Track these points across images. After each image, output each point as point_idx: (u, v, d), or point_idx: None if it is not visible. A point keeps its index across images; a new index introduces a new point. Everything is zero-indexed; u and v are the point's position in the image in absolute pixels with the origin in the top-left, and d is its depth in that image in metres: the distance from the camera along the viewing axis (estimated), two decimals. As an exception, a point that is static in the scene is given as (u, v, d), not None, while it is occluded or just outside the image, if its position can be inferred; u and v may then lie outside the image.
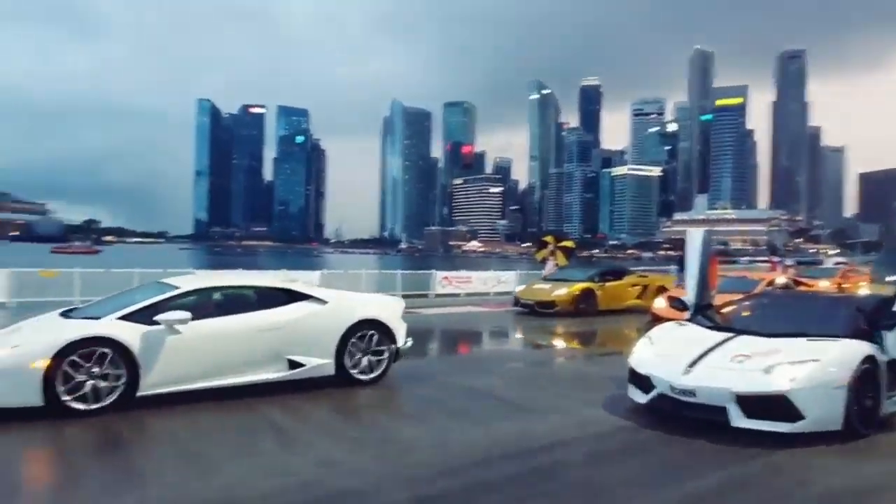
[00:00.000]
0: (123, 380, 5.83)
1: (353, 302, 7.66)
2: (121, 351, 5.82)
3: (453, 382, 7.74)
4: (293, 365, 6.88)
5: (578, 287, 16.17)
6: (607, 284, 16.81)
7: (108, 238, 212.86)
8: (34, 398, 5.47)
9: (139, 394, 5.98)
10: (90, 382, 5.67)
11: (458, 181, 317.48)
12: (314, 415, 6.26)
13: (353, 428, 5.84)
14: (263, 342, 6.70)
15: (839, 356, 5.46)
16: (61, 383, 5.53)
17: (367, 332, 7.34)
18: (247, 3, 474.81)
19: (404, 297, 20.23)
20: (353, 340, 7.23)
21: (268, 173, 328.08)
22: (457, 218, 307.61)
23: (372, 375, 7.35)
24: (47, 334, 5.88)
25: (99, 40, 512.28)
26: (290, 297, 7.15)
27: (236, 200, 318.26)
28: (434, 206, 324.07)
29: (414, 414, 6.26)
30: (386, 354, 7.49)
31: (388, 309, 7.81)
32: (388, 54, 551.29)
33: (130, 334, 5.97)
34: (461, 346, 12.69)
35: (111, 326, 5.99)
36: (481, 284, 22.85)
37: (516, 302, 16.82)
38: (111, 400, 5.76)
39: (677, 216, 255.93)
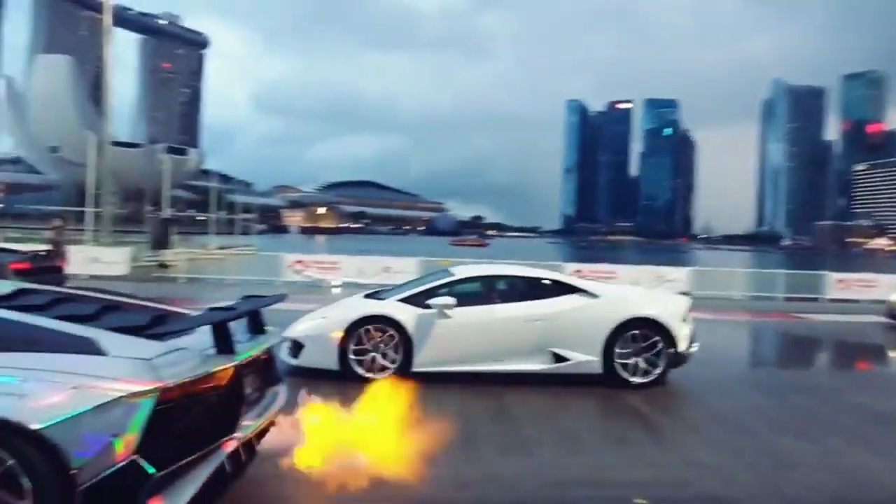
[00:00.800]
0: (400, 355, 6.68)
1: (626, 298, 7.33)
2: (397, 329, 6.69)
3: (844, 399, 6.73)
4: (558, 358, 6.82)
5: None
6: None
7: (491, 232, 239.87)
8: (332, 363, 6.65)
9: (414, 369, 6.70)
10: (372, 354, 6.68)
11: (861, 167, 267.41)
12: (681, 411, 6.18)
13: (727, 433, 5.56)
14: (528, 333, 6.80)
15: None
16: (351, 352, 6.64)
17: (641, 331, 6.79)
18: (613, 3, 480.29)
19: (787, 300, 18.31)
20: (623, 339, 6.77)
21: (633, 168, 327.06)
22: (857, 210, 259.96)
23: (643, 379, 6.76)
24: (346, 311, 7.04)
25: (485, 59, 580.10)
26: (561, 289, 7.17)
27: (601, 196, 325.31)
28: (826, 197, 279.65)
29: (796, 428, 5.65)
30: (662, 357, 6.78)
31: (667, 307, 7.09)
32: (767, 30, 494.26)
33: (405, 315, 6.76)
34: (849, 358, 10.86)
35: (390, 307, 6.90)
36: (891, 290, 18.96)
37: (891, 313, 13.34)
38: (388, 373, 6.57)
39: None
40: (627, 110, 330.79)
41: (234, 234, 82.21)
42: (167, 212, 59.25)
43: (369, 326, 6.76)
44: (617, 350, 6.76)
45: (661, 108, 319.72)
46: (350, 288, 19.76)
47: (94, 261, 20.44)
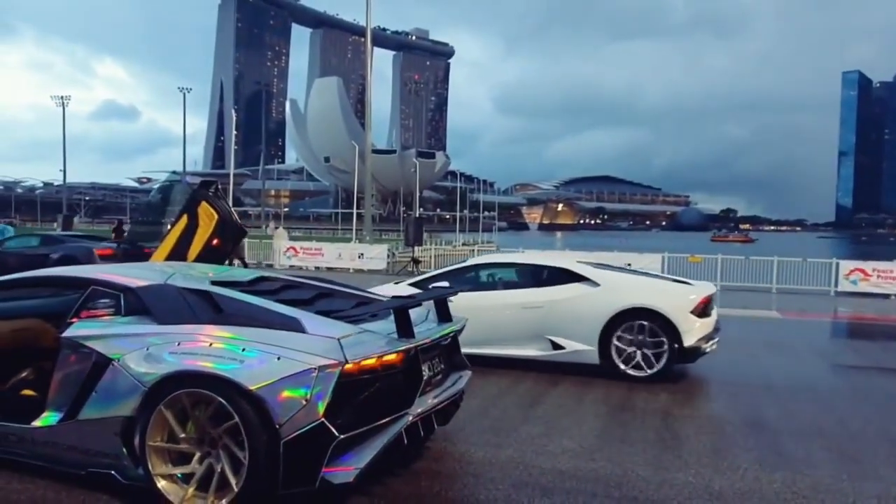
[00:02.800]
0: None
1: (628, 286, 6.92)
2: None
3: None
4: (555, 346, 6.77)
5: None
6: None
7: (745, 226, 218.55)
8: None
9: None
10: None
11: None
12: None
13: None
14: (525, 319, 6.86)
15: None
16: None
17: (642, 322, 6.46)
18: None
19: None
20: (623, 329, 6.51)
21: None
22: None
23: (641, 373, 6.45)
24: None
25: (739, 38, 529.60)
26: (568, 277, 7.02)
27: (888, 182, 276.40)
28: None
29: None
30: (665, 351, 6.36)
31: (673, 298, 6.61)
32: None
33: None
34: None
35: (400, 291, 7.01)
36: None
37: None
38: None
39: None
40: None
41: (477, 232, 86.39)
42: (419, 211, 64.50)
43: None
44: (615, 340, 6.54)
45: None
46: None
47: (359, 257, 23.07)
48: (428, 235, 38.59)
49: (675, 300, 6.63)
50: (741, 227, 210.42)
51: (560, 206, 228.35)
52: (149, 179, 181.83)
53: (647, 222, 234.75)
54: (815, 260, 18.74)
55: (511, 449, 4.44)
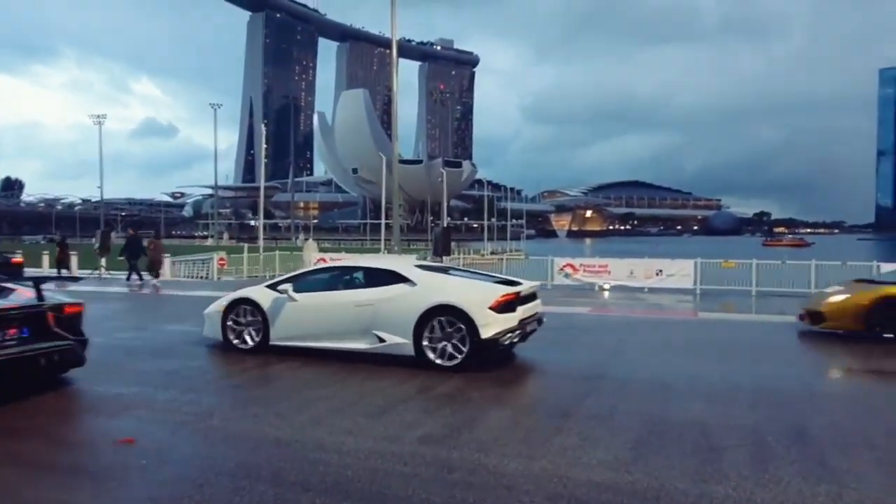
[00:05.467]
0: (261, 330, 8.06)
1: (438, 286, 7.54)
2: (258, 309, 8.09)
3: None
4: (381, 340, 7.43)
5: (873, 294, 9.70)
6: None
7: (780, 229, 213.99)
8: (218, 335, 8.34)
9: (271, 342, 7.99)
10: (243, 329, 8.19)
11: None
12: None
13: None
14: (356, 316, 7.59)
15: None
16: (230, 329, 8.25)
17: (447, 317, 7.08)
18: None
19: None
20: (432, 324, 7.13)
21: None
22: None
23: (448, 363, 7.05)
24: (232, 294, 8.49)
25: (768, 41, 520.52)
26: (395, 278, 7.68)
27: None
28: None
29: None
30: (466, 343, 6.99)
31: (471, 295, 7.26)
32: None
33: (264, 297, 8.09)
34: None
35: (255, 291, 8.27)
36: None
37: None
38: (255, 343, 8.06)
39: None
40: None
41: (504, 240, 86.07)
42: (446, 221, 64.62)
43: (241, 307, 8.25)
44: (426, 334, 7.16)
45: None
46: (620, 291, 19.28)
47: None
48: (456, 245, 38.60)
49: (476, 298, 7.23)
50: (776, 230, 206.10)
51: (588, 213, 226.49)
52: (182, 194, 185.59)
53: (678, 227, 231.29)
54: (855, 263, 18.24)
55: (544, 460, 4.37)
